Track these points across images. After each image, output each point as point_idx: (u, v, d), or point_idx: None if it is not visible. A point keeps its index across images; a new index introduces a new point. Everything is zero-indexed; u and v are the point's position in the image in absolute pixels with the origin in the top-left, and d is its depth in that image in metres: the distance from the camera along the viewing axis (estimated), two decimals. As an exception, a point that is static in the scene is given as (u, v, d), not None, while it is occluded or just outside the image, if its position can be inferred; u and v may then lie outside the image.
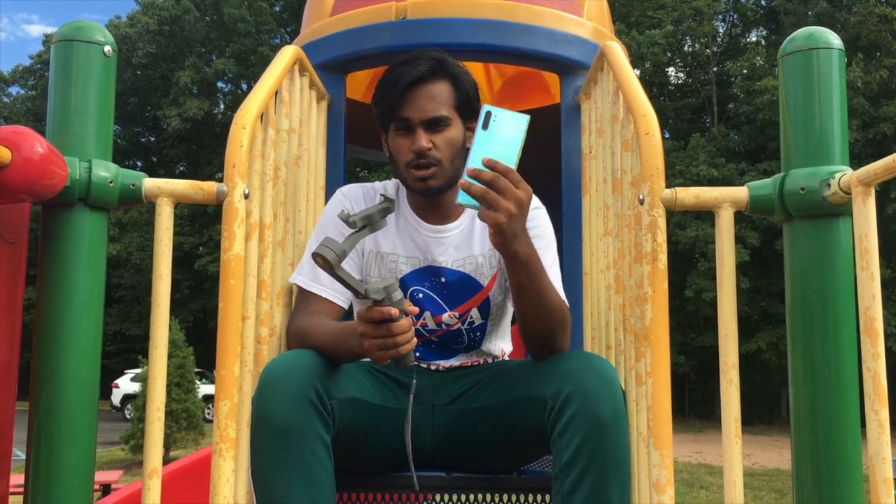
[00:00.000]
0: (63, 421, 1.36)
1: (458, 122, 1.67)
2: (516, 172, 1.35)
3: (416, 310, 1.42)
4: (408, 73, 1.63)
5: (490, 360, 1.76)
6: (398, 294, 1.37)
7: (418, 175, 1.64)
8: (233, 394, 1.40)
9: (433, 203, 1.72)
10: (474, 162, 1.35)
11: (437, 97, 1.64)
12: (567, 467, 1.36)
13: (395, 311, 1.34)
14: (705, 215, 18.03)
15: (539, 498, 1.71)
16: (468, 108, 1.69)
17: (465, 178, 1.34)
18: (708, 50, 24.52)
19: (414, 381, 1.57)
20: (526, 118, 1.36)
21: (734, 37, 25.52)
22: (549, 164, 2.49)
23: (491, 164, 1.33)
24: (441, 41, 2.12)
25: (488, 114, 1.35)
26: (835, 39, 1.42)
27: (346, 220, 1.38)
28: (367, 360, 1.71)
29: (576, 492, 1.34)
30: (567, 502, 1.35)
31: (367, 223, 1.41)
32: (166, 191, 1.46)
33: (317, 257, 1.32)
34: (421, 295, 1.70)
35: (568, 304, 1.66)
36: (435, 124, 1.64)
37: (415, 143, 1.63)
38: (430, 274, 1.71)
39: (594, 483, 1.34)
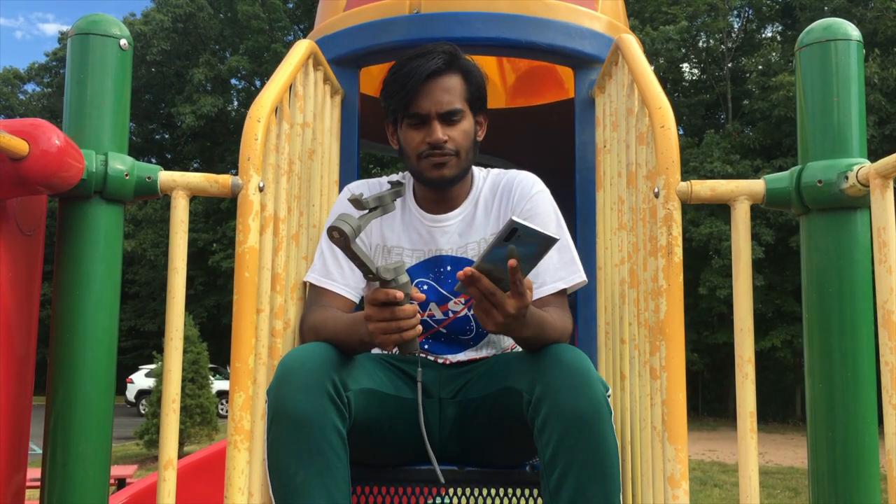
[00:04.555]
0: (80, 411, 1.37)
1: (469, 115, 1.68)
2: (521, 283, 1.30)
3: (423, 296, 1.43)
4: (422, 66, 1.62)
5: (498, 353, 1.76)
6: (405, 278, 1.38)
7: (434, 162, 1.64)
8: (247, 386, 1.40)
9: (437, 194, 1.72)
10: (482, 262, 1.30)
11: (452, 90, 1.64)
12: (550, 465, 1.37)
13: (399, 295, 1.35)
14: (719, 212, 17.94)
15: (552, 492, 1.71)
16: (478, 102, 1.70)
17: (469, 271, 1.29)
18: (723, 46, 24.35)
19: (419, 368, 1.57)
20: (554, 241, 1.26)
21: (749, 32, 25.33)
22: (562, 159, 2.48)
23: (482, 273, 1.30)
24: (455, 35, 2.11)
25: (514, 230, 1.24)
26: (853, 31, 1.41)
27: (358, 201, 1.39)
28: (379, 351, 1.72)
29: (561, 488, 1.35)
30: (554, 499, 1.36)
31: (379, 204, 1.42)
32: (181, 184, 1.47)
33: (332, 231, 1.32)
34: (426, 287, 1.71)
35: (586, 278, 1.68)
36: (450, 117, 1.64)
37: (431, 136, 1.62)
38: (434, 265, 1.72)
39: (577, 479, 1.34)
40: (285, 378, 1.39)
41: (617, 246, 1.85)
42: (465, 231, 1.73)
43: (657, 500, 1.41)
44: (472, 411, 1.62)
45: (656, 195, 1.40)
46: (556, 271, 1.65)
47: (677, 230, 1.37)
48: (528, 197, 1.71)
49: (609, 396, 1.41)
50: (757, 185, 1.42)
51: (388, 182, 1.76)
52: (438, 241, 1.72)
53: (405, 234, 1.74)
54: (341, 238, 1.33)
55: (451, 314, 1.72)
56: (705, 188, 1.41)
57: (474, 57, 1.77)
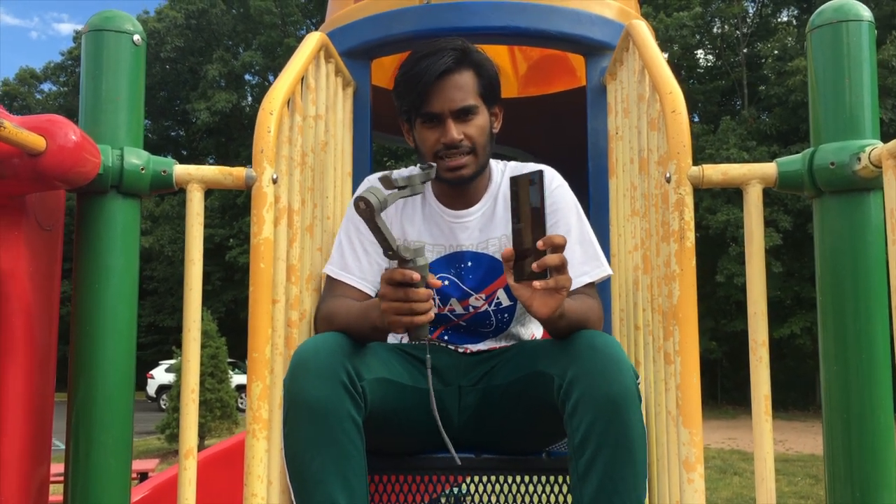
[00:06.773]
0: (101, 403, 1.39)
1: (483, 109, 1.66)
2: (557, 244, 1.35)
3: (440, 283, 1.43)
4: (433, 66, 1.61)
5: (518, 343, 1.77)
6: (423, 260, 1.38)
7: (450, 165, 1.63)
8: (265, 375, 1.42)
9: (456, 189, 1.72)
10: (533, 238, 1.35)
11: (464, 87, 1.63)
12: (580, 448, 1.38)
13: (416, 276, 1.35)
14: (736, 199, 17.78)
15: (568, 479, 1.72)
16: (492, 95, 1.68)
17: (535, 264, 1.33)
18: (738, 31, 24.13)
19: (428, 355, 1.55)
20: (539, 172, 1.38)
21: (764, 17, 25.05)
22: (575, 147, 2.48)
23: (558, 243, 1.33)
24: (465, 25, 2.12)
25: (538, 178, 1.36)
26: (864, 11, 1.40)
27: (388, 179, 1.39)
28: (396, 342, 1.73)
29: (590, 472, 1.36)
30: (582, 482, 1.37)
31: (408, 184, 1.41)
32: (196, 177, 1.49)
33: (359, 201, 1.32)
34: (447, 282, 1.71)
35: (611, 270, 1.68)
36: (464, 114, 1.63)
37: (446, 135, 1.62)
38: (455, 260, 1.72)
39: (606, 463, 1.35)
40: (300, 367, 1.40)
41: (630, 232, 1.85)
42: (485, 226, 1.73)
43: (673, 484, 1.41)
44: (496, 398, 1.63)
45: (668, 180, 1.40)
46: (581, 266, 1.64)
47: (689, 215, 1.37)
48: (548, 192, 1.71)
49: (639, 384, 1.42)
50: (769, 169, 1.41)
51: (420, 167, 1.76)
52: (459, 237, 1.72)
53: (426, 229, 1.74)
54: (367, 209, 1.32)
55: (471, 309, 1.72)
56: (717, 172, 1.41)
57: (486, 46, 1.76)
